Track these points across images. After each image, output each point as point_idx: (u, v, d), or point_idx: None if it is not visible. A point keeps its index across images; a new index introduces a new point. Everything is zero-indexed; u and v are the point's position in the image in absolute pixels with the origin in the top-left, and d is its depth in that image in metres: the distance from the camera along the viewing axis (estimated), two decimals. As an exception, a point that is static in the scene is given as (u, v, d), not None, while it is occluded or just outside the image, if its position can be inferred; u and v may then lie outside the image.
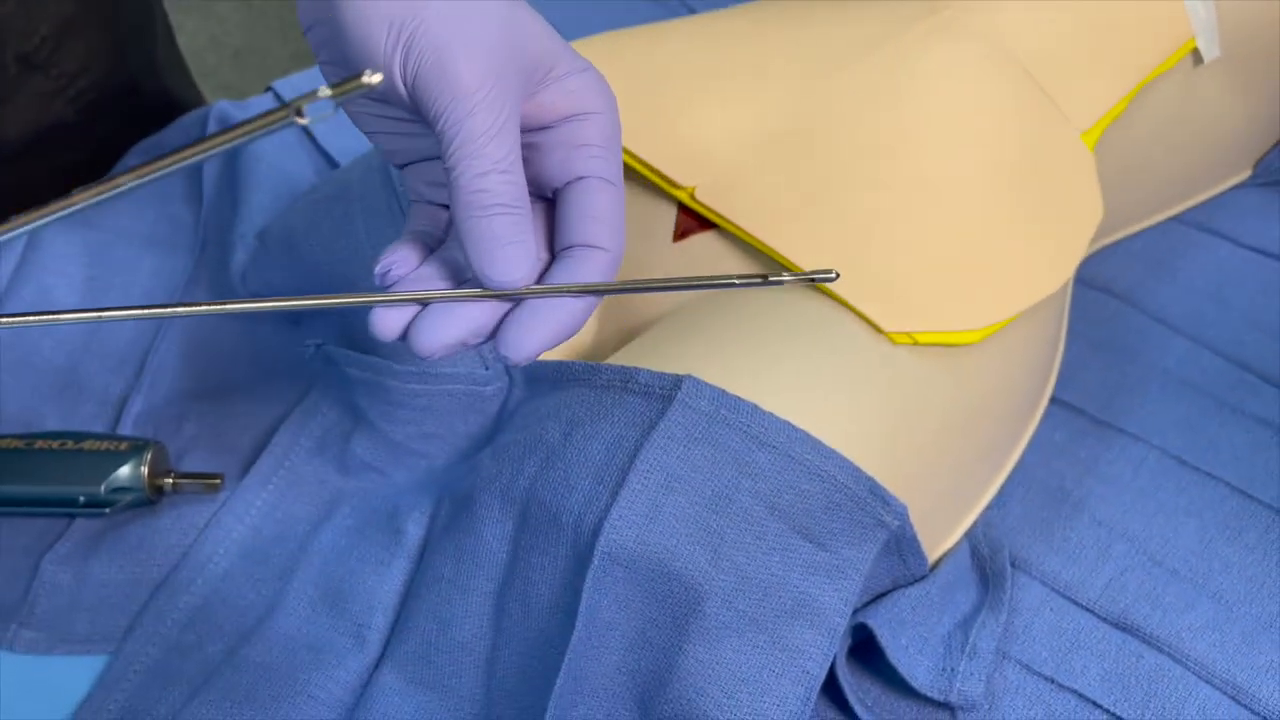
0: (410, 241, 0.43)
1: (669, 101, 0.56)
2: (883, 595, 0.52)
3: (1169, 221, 0.69)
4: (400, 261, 0.42)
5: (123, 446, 0.56)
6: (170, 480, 0.57)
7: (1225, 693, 0.51)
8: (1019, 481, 0.58)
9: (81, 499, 0.56)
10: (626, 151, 0.54)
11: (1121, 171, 0.62)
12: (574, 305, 0.40)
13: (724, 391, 0.48)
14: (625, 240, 0.42)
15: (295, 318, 0.63)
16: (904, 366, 0.51)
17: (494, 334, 0.41)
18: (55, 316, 0.39)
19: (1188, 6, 0.60)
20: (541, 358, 0.53)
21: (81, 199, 0.36)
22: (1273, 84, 0.67)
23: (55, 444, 0.56)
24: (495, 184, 0.39)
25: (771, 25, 0.59)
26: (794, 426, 0.47)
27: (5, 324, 0.39)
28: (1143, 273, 0.66)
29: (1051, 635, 0.53)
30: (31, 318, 0.39)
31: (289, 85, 0.75)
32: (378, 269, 0.42)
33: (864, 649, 0.51)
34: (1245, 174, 0.70)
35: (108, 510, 0.56)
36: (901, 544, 0.50)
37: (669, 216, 0.56)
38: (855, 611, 0.51)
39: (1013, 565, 0.55)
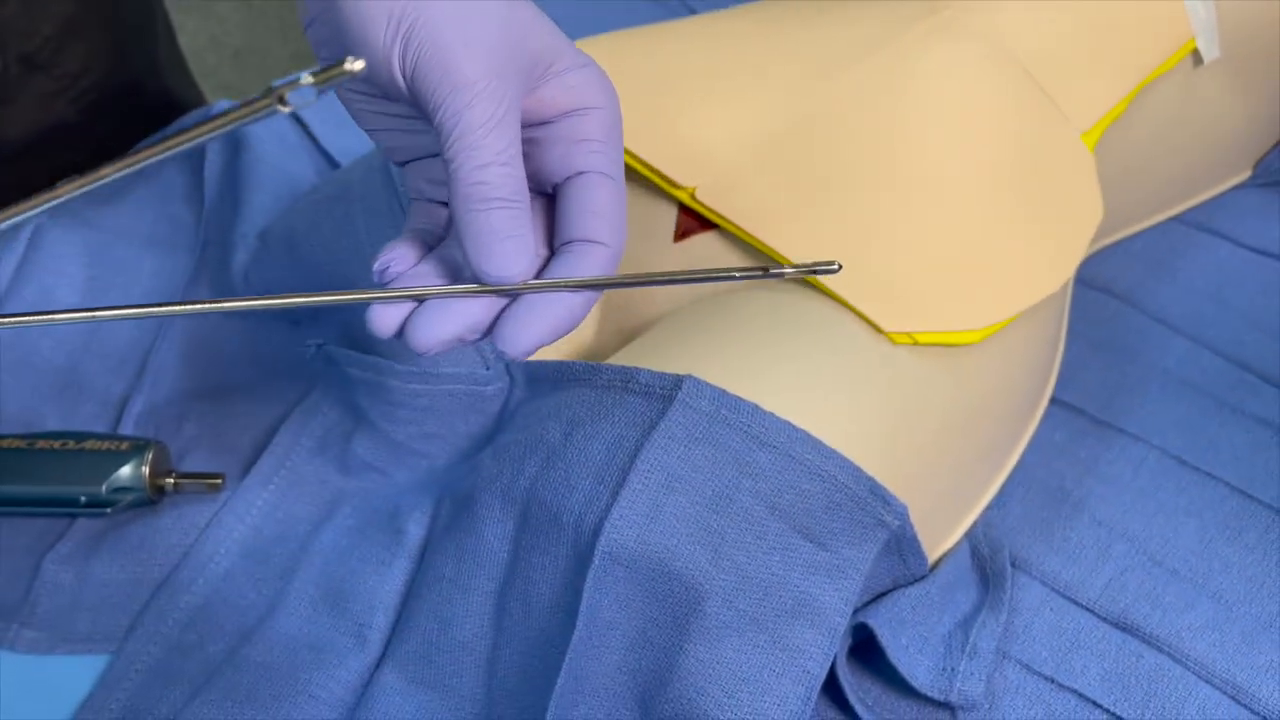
0: (409, 239, 0.43)
1: (670, 102, 0.56)
2: (883, 595, 0.52)
3: (1169, 222, 0.69)
4: (399, 259, 0.42)
5: (124, 446, 0.56)
6: (171, 480, 0.57)
7: (1225, 692, 0.51)
8: (1019, 481, 0.58)
9: (83, 499, 0.56)
10: (627, 151, 0.55)
11: (1121, 172, 0.62)
12: (572, 301, 0.40)
13: (724, 391, 0.48)
14: (626, 237, 0.42)
15: (296, 318, 0.63)
16: (904, 366, 0.51)
17: (491, 330, 0.41)
18: (52, 316, 0.39)
19: (1188, 6, 0.60)
20: (542, 356, 0.54)
21: (65, 191, 0.36)
22: (1273, 84, 0.67)
23: (56, 444, 0.56)
24: (494, 176, 0.39)
25: (772, 26, 0.59)
26: (794, 426, 0.47)
27: (4, 324, 0.39)
28: (1143, 273, 0.66)
29: (1051, 635, 0.53)
30: (31, 317, 0.39)
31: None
32: (376, 266, 0.42)
33: (864, 648, 0.51)
34: (1245, 174, 0.70)
35: (109, 510, 0.56)
36: (902, 544, 0.50)
37: (669, 217, 0.56)
38: (856, 611, 0.51)
39: (1013, 565, 0.55)
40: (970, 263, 0.54)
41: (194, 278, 0.66)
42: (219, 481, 0.57)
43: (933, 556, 0.53)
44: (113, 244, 0.67)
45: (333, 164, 0.70)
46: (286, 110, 0.34)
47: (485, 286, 0.40)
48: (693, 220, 0.55)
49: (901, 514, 0.49)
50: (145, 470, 0.56)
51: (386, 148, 0.45)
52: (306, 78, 0.33)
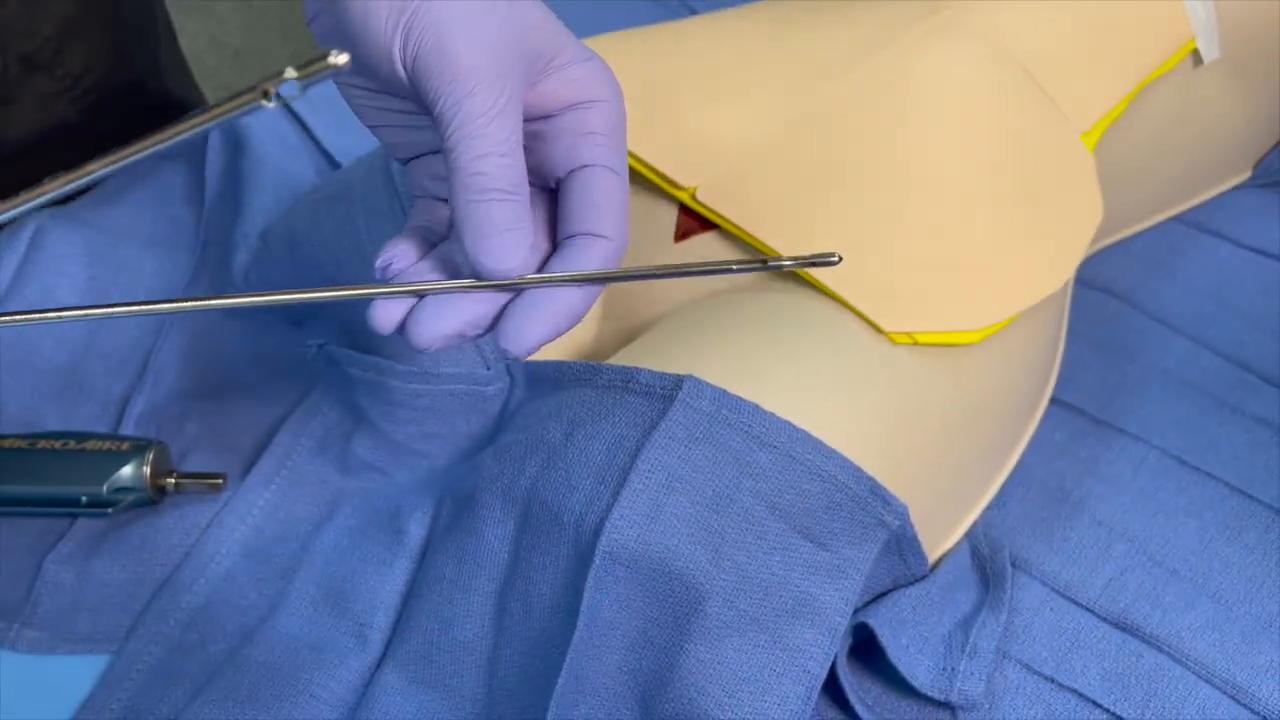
0: (411, 237, 0.43)
1: (671, 102, 0.56)
2: (883, 595, 0.52)
3: (1169, 222, 0.69)
4: (400, 255, 0.42)
5: (125, 446, 0.56)
6: (172, 480, 0.57)
7: (1225, 692, 0.51)
8: (1019, 481, 0.58)
9: (84, 499, 0.56)
10: (628, 151, 0.55)
11: (1121, 172, 0.62)
12: (574, 296, 0.40)
13: (725, 391, 0.48)
14: (629, 232, 0.41)
15: (297, 318, 0.63)
16: (904, 367, 0.51)
17: (494, 326, 0.41)
18: (48, 315, 0.39)
19: (1187, 7, 0.60)
20: (542, 356, 0.54)
21: (51, 187, 0.36)
22: (1273, 85, 0.67)
23: (58, 444, 0.57)
24: (493, 167, 0.38)
25: (773, 26, 0.59)
26: (795, 426, 0.48)
27: (3, 323, 0.39)
28: (1143, 273, 0.66)
29: (1051, 635, 0.53)
30: (32, 315, 0.39)
31: (291, 86, 0.74)
32: (378, 263, 0.42)
33: (865, 648, 0.51)
34: (1245, 175, 0.70)
35: (110, 510, 0.56)
36: (902, 544, 0.50)
37: (670, 217, 0.56)
38: (856, 611, 0.51)
39: (1013, 565, 0.55)
40: (970, 263, 0.54)
41: (195, 278, 0.66)
42: (220, 481, 0.57)
43: (933, 556, 0.53)
44: (114, 244, 0.67)
45: (333, 164, 0.70)
46: (271, 105, 0.34)
47: (484, 282, 0.40)
48: (693, 221, 0.55)
49: (902, 514, 0.49)
50: (146, 470, 0.56)
51: (389, 144, 0.45)
52: (291, 71, 0.33)
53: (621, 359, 0.52)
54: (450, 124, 0.38)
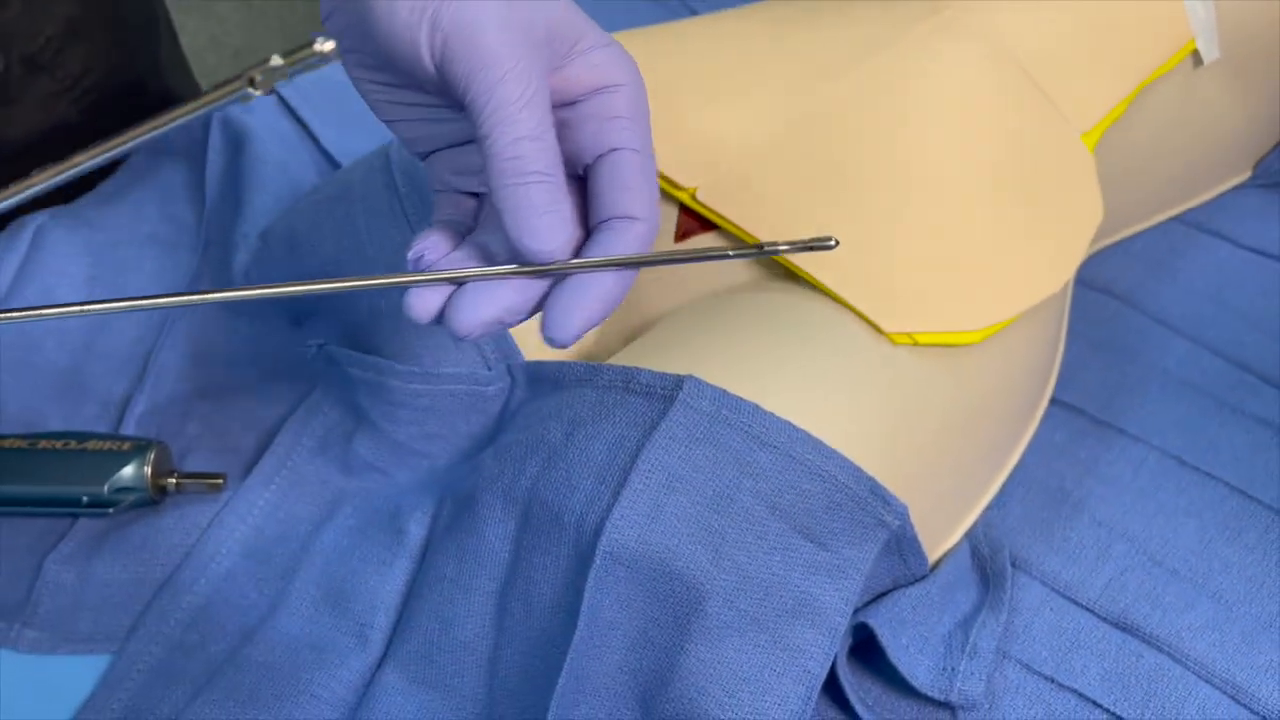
0: (441, 229, 0.43)
1: (671, 103, 0.56)
2: (883, 595, 0.52)
3: (1169, 222, 0.69)
4: (432, 247, 0.42)
5: (126, 446, 0.56)
6: (173, 480, 0.57)
7: (1225, 692, 0.51)
8: (1019, 481, 0.58)
9: (85, 499, 0.56)
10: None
11: (1122, 172, 0.62)
12: (613, 281, 0.40)
13: (725, 392, 0.48)
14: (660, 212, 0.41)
15: (297, 318, 0.63)
16: (904, 367, 0.51)
17: (534, 312, 0.40)
18: (45, 311, 0.39)
19: (1187, 7, 0.60)
20: (543, 357, 0.54)
21: (42, 178, 0.36)
22: (1273, 85, 0.67)
23: (58, 444, 0.57)
24: (530, 150, 0.39)
25: (774, 26, 0.59)
26: (795, 427, 0.48)
27: (3, 320, 0.39)
28: (1143, 273, 0.66)
29: (1051, 635, 0.53)
30: (30, 312, 0.39)
31: (292, 86, 0.75)
32: (411, 254, 0.42)
33: (865, 648, 0.51)
34: (1245, 175, 0.70)
35: (111, 510, 0.56)
36: (902, 544, 0.50)
37: (670, 218, 0.56)
38: (856, 611, 0.51)
39: (1013, 565, 0.55)
40: (971, 263, 0.54)
41: (195, 278, 0.66)
42: (220, 481, 0.57)
43: (933, 556, 0.53)
44: (114, 244, 0.67)
45: (333, 164, 0.70)
46: (257, 93, 0.34)
47: (523, 267, 0.39)
48: (693, 221, 0.56)
49: (902, 514, 0.49)
50: (147, 470, 0.56)
51: (406, 139, 0.45)
52: (277, 59, 0.33)
53: (622, 359, 0.52)
54: (484, 110, 0.39)
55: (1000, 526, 0.56)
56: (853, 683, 0.50)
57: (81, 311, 0.40)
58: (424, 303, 0.40)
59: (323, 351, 0.57)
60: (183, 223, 0.69)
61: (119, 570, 0.56)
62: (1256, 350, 0.62)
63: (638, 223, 0.40)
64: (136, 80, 0.75)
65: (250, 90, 0.34)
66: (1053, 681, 0.52)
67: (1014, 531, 0.56)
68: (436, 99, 0.42)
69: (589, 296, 0.39)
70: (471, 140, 0.44)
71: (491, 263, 0.41)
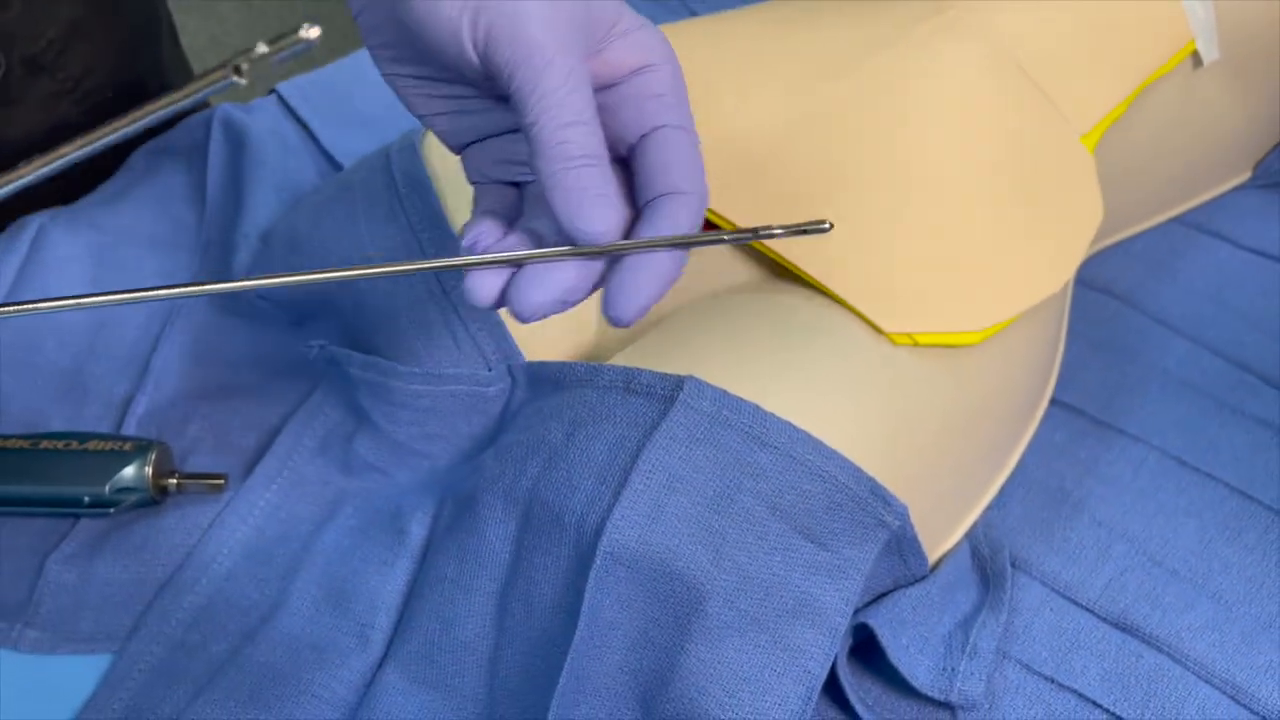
0: (487, 217, 0.43)
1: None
2: (883, 595, 0.52)
3: (1169, 223, 0.69)
4: (486, 233, 0.42)
5: (127, 447, 0.56)
6: (174, 480, 0.57)
7: (1225, 692, 0.51)
8: (1019, 482, 0.58)
9: (86, 499, 0.56)
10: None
11: (1122, 173, 0.62)
12: (669, 258, 0.40)
13: (725, 392, 0.48)
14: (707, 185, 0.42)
15: (298, 319, 0.63)
16: (905, 367, 0.51)
17: (592, 292, 0.41)
18: (40, 305, 0.39)
19: (1187, 7, 0.60)
20: (544, 357, 0.54)
21: (28, 170, 0.36)
22: (1273, 85, 0.67)
23: (60, 444, 0.57)
24: (577, 135, 0.39)
25: (775, 26, 0.59)
26: (795, 427, 0.48)
27: (3, 313, 0.40)
28: (1143, 274, 0.66)
29: (1051, 635, 0.53)
30: (28, 306, 0.39)
31: (292, 86, 0.75)
32: (465, 241, 0.42)
33: (865, 649, 0.51)
34: (1245, 175, 0.70)
35: (112, 510, 0.56)
36: (902, 544, 0.50)
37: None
38: (856, 611, 0.51)
39: (1013, 565, 0.55)
40: (971, 264, 0.54)
41: (196, 278, 0.66)
42: (222, 482, 0.57)
43: (933, 557, 0.53)
44: (115, 245, 0.67)
45: (333, 164, 0.71)
46: (244, 81, 0.34)
47: (580, 249, 0.40)
48: (694, 221, 0.56)
49: (902, 514, 0.49)
50: (148, 471, 0.56)
51: (442, 132, 0.45)
52: (262, 46, 0.33)
53: (622, 360, 0.52)
54: (530, 98, 0.39)
55: (1000, 527, 0.56)
56: (853, 683, 0.50)
57: (78, 305, 0.40)
58: (485, 287, 0.41)
59: (324, 352, 0.57)
60: (183, 223, 0.69)
61: (120, 570, 0.56)
62: (1256, 350, 0.62)
63: (689, 196, 0.41)
64: (137, 81, 0.75)
65: (236, 79, 0.33)
66: (1053, 682, 0.52)
67: (1014, 531, 0.56)
68: (474, 90, 0.42)
69: (652, 274, 0.40)
70: (510, 130, 0.44)
71: (543, 246, 0.41)
